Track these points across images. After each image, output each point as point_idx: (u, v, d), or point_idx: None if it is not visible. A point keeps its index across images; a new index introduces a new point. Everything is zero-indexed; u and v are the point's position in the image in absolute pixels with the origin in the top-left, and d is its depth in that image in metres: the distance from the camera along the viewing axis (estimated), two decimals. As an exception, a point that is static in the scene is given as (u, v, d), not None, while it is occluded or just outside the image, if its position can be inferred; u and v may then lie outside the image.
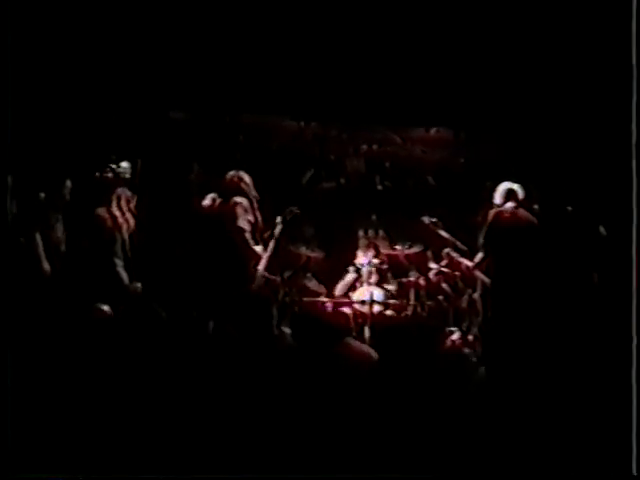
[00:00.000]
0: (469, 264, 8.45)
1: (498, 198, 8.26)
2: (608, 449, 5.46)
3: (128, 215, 8.01)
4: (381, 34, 9.32)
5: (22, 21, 6.93)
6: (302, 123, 11.11)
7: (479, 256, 8.24)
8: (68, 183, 7.96)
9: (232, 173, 8.31)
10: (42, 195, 7.64)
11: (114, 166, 8.82)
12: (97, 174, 8.75)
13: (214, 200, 8.38)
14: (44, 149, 8.39)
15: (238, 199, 8.15)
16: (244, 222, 8.07)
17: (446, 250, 9.12)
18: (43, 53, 8.63)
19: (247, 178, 8.32)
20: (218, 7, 9.08)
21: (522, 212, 8.18)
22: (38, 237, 7.43)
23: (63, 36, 8.76)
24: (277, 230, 8.67)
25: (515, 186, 8.28)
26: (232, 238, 8.05)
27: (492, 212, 8.18)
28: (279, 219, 8.81)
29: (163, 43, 9.32)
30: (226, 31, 9.30)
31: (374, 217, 10.38)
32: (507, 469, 5.26)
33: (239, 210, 8.08)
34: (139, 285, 7.79)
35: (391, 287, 9.64)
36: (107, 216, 7.99)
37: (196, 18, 9.17)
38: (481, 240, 8.16)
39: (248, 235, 8.07)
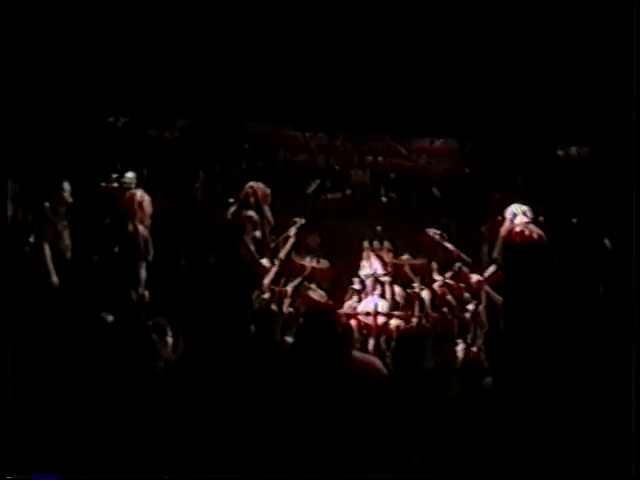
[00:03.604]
0: (480, 278, 8.45)
1: (509, 214, 8.30)
2: (610, 453, 5.48)
3: (137, 223, 7.94)
4: (387, 45, 9.34)
5: (29, 32, 6.96)
6: (308, 133, 11.12)
7: (490, 270, 8.24)
8: (72, 191, 7.94)
9: (250, 184, 8.33)
10: (47, 205, 7.63)
11: (120, 176, 8.86)
12: (103, 184, 8.79)
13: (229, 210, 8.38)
14: (49, 158, 8.40)
15: (249, 212, 8.15)
16: (249, 238, 8.06)
17: (457, 264, 9.11)
18: (49, 63, 8.65)
19: (262, 191, 8.31)
20: (225, 17, 9.10)
21: (533, 228, 8.22)
22: (47, 247, 7.42)
23: (70, 46, 8.78)
24: (289, 243, 8.72)
25: (524, 207, 8.32)
26: (239, 251, 8.04)
27: (504, 228, 8.21)
28: (292, 232, 8.86)
29: (170, 52, 9.34)
30: (233, 41, 9.32)
31: (379, 228, 10.38)
32: (510, 471, 5.27)
33: (248, 225, 8.08)
34: (145, 294, 7.78)
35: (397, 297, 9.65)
36: (114, 224, 7.96)
37: (203, 27, 9.19)
38: (495, 255, 8.17)
39: (254, 249, 8.06)
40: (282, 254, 8.85)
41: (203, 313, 7.74)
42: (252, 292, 8.11)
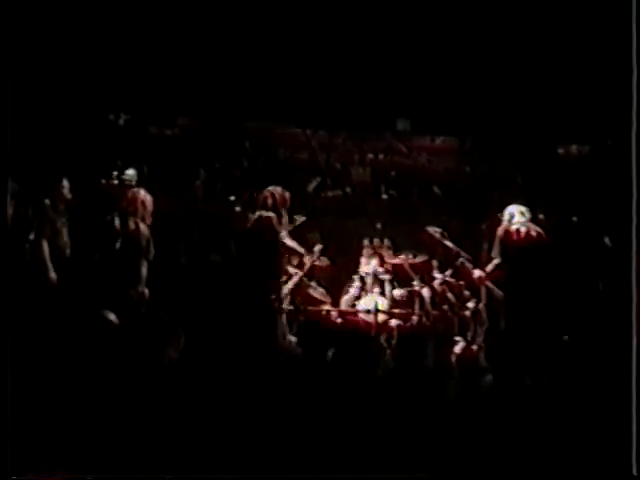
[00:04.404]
0: (482, 274, 8.46)
1: (507, 215, 8.32)
2: (610, 450, 5.49)
3: (138, 221, 7.91)
4: (388, 44, 9.34)
5: (29, 30, 6.95)
6: (308, 131, 11.12)
7: (491, 266, 8.26)
8: (71, 188, 7.93)
9: (269, 188, 8.32)
10: (47, 202, 7.62)
11: (120, 173, 8.84)
12: (103, 181, 8.77)
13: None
14: (50, 155, 8.39)
15: (266, 213, 8.13)
16: (271, 241, 8.06)
17: (461, 259, 9.11)
18: (50, 61, 8.65)
19: (279, 195, 8.30)
20: (226, 15, 9.11)
21: (531, 226, 8.24)
22: (45, 244, 7.41)
23: (70, 44, 8.79)
24: (312, 258, 8.82)
25: (522, 208, 8.34)
26: (260, 254, 8.04)
27: (501, 228, 8.23)
28: (316, 248, 8.94)
29: (171, 50, 9.34)
30: (234, 39, 9.33)
31: (379, 226, 10.38)
32: (510, 471, 5.28)
33: (277, 226, 8.08)
34: (146, 291, 7.77)
35: (397, 293, 9.64)
36: (115, 222, 7.94)
37: (204, 25, 9.19)
38: (494, 254, 8.19)
39: (280, 252, 8.10)
40: (307, 266, 8.98)
41: (204, 311, 7.75)
42: (261, 294, 8.12)
